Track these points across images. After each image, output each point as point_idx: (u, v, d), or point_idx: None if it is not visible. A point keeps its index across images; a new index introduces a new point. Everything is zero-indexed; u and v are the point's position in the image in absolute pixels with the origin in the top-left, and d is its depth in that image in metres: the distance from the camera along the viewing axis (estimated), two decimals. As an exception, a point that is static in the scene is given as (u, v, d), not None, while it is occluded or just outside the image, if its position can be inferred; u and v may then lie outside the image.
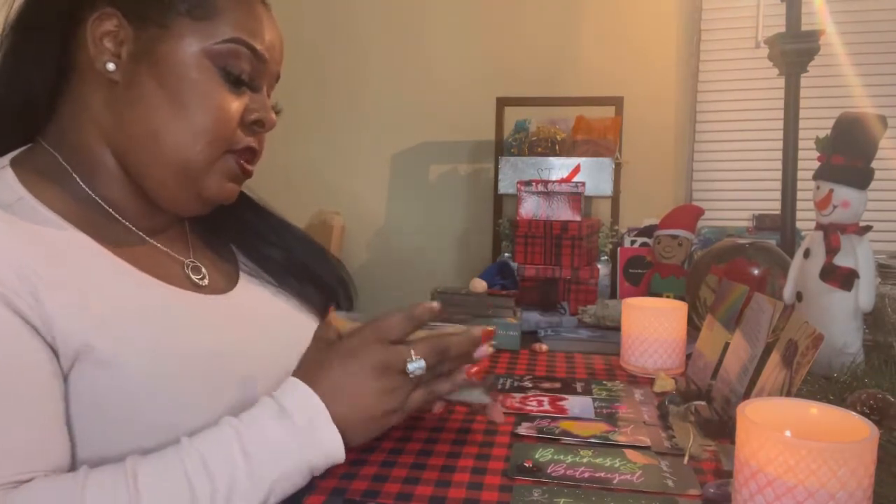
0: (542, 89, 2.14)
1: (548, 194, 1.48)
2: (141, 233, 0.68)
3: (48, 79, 0.64)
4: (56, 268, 0.56)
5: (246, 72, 0.66)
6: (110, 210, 0.66)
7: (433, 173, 2.38)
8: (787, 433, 0.47)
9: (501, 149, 2.00)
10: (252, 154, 0.70)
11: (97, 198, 0.65)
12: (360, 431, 0.61)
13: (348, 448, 0.60)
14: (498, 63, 2.27)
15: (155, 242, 0.69)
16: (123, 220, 0.67)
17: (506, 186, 1.83)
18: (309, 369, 0.63)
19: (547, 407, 0.80)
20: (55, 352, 0.54)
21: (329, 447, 0.58)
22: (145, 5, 0.63)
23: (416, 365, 0.62)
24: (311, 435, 0.57)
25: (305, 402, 0.59)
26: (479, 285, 1.24)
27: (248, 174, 0.71)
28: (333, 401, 0.59)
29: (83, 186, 0.65)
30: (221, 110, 0.64)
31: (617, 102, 1.98)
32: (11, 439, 0.51)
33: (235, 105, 0.66)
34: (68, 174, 0.64)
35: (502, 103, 2.07)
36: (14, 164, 0.63)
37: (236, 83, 0.65)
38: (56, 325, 0.54)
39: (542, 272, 1.41)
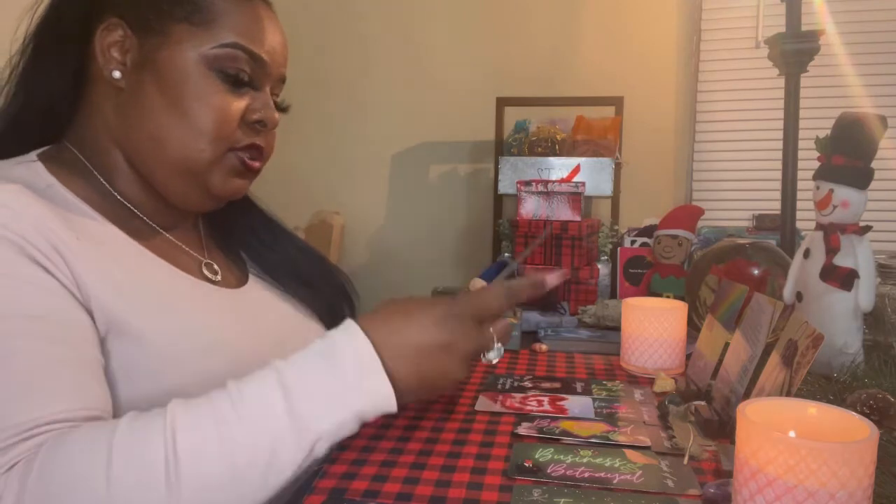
0: (542, 89, 2.14)
1: (548, 194, 1.48)
2: (158, 228, 0.71)
3: (66, 86, 0.67)
4: (86, 245, 0.59)
5: (245, 73, 0.68)
6: (129, 206, 0.69)
7: (433, 173, 2.38)
8: (788, 433, 0.47)
9: (501, 149, 2.00)
10: (257, 151, 0.71)
11: (116, 194, 0.68)
12: (412, 394, 0.59)
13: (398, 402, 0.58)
14: (498, 63, 2.27)
15: (172, 238, 0.72)
16: (142, 216, 0.70)
17: (506, 186, 1.83)
18: (385, 317, 0.62)
19: (547, 407, 0.80)
20: (91, 316, 0.57)
21: (377, 398, 0.56)
22: (146, 14, 0.65)
23: (496, 354, 0.65)
24: (358, 382, 0.55)
25: (358, 348, 0.57)
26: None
27: (252, 170, 0.72)
28: (393, 356, 0.57)
29: (104, 183, 0.68)
30: (221, 111, 0.66)
31: (617, 102, 1.98)
32: (60, 379, 0.52)
33: (236, 105, 0.67)
34: (90, 171, 0.68)
35: (502, 103, 2.07)
36: (42, 158, 0.66)
37: (235, 84, 0.67)
38: (89, 294, 0.57)
39: (541, 272, 1.41)
